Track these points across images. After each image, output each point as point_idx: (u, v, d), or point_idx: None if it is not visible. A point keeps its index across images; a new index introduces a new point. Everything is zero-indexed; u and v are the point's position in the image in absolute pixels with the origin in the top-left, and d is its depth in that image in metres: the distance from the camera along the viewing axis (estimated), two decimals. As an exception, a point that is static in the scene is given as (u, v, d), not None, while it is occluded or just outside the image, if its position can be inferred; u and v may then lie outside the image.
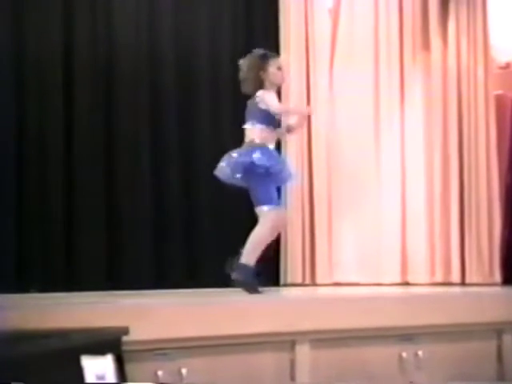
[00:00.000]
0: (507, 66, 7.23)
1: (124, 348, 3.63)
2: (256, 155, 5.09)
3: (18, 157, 6.16)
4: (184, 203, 6.81)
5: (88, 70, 6.46)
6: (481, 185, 7.00)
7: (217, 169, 5.30)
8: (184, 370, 3.97)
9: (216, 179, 6.99)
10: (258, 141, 5.15)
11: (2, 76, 6.14)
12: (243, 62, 5.33)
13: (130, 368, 3.64)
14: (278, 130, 5.28)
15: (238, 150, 5.22)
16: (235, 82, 7.04)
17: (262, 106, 5.16)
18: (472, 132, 7.07)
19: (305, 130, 7.25)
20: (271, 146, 5.21)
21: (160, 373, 3.89)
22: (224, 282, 6.42)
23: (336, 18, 7.39)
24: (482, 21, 7.08)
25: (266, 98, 5.15)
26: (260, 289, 5.15)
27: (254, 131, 5.18)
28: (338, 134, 7.29)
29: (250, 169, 5.11)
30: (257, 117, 5.18)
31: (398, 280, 7.12)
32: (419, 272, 7.12)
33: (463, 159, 7.06)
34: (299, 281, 7.11)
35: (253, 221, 7.07)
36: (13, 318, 3.56)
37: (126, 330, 3.68)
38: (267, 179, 5.12)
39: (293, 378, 4.40)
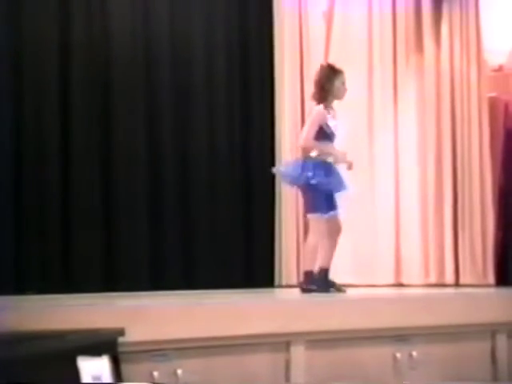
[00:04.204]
0: (500, 68, 7.26)
1: (120, 349, 3.64)
2: (308, 172, 5.35)
3: (15, 157, 6.16)
4: (180, 205, 6.82)
5: (84, 68, 6.45)
6: (474, 186, 7.03)
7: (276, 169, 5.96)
8: (180, 371, 3.98)
9: (212, 181, 7.05)
10: (312, 154, 5.39)
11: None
12: (315, 73, 5.60)
13: (125, 369, 3.65)
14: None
15: (296, 160, 5.54)
16: (229, 82, 7.14)
17: (310, 120, 5.48)
18: (465, 134, 7.10)
19: (299, 131, 7.25)
20: (326, 159, 5.39)
21: (156, 373, 3.90)
22: (219, 283, 6.47)
23: (330, 20, 7.42)
24: (475, 23, 7.11)
25: (307, 127, 5.46)
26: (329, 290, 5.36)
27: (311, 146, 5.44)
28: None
29: (301, 184, 5.45)
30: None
31: (392, 281, 7.15)
32: (413, 273, 7.14)
33: (457, 161, 7.09)
34: (293, 282, 7.12)
35: (249, 223, 7.13)
36: (10, 319, 3.56)
37: (121, 331, 3.69)
38: (317, 191, 5.37)
39: (288, 378, 4.41)
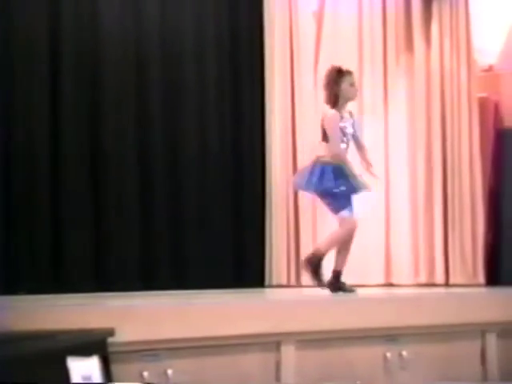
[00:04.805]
0: (490, 68, 7.27)
1: (110, 349, 3.64)
2: (326, 180, 5.38)
3: (4, 157, 6.13)
4: (171, 205, 6.81)
5: (74, 67, 6.41)
6: (464, 187, 7.05)
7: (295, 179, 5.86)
8: (170, 371, 3.98)
9: (202, 181, 7.03)
10: (327, 158, 5.42)
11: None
12: (324, 77, 5.60)
13: (116, 369, 3.65)
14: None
15: (312, 165, 5.47)
16: (219, 81, 7.13)
17: (328, 128, 5.45)
18: (455, 134, 7.11)
19: (289, 131, 7.30)
20: (340, 163, 5.41)
21: (146, 373, 3.90)
22: (210, 283, 6.47)
23: (320, 20, 7.42)
24: (465, 23, 7.13)
25: (332, 136, 5.42)
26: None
27: (324, 148, 5.47)
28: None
29: (319, 190, 5.48)
30: (324, 135, 5.48)
31: (383, 281, 7.16)
32: (403, 273, 7.16)
33: (447, 161, 7.10)
34: (284, 282, 7.14)
35: (239, 223, 7.13)
36: (0, 319, 3.56)
37: (111, 332, 3.69)
38: (336, 195, 5.42)
39: (278, 378, 4.41)
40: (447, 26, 7.18)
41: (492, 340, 5.16)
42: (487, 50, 7.23)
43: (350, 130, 5.52)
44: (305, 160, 7.26)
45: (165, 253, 6.77)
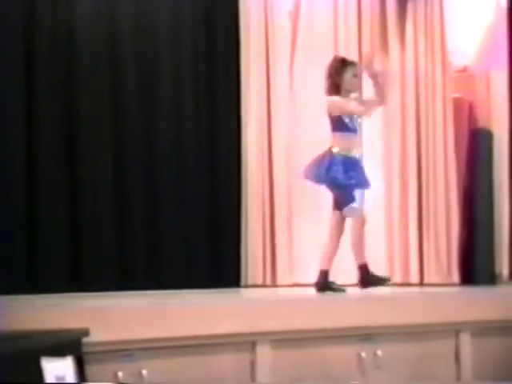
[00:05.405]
0: (465, 69, 7.31)
1: (84, 349, 3.63)
2: (333, 171, 5.31)
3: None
4: (147, 204, 6.80)
5: (47, 64, 6.38)
6: (439, 186, 7.08)
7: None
8: (144, 371, 3.97)
9: (178, 181, 7.02)
10: (336, 149, 5.36)
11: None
12: (326, 67, 5.49)
13: (90, 369, 3.64)
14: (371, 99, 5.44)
15: (321, 156, 5.39)
16: (195, 81, 7.12)
17: (335, 114, 5.37)
18: (430, 134, 7.14)
19: (264, 128, 7.29)
20: (351, 153, 5.36)
21: (120, 374, 3.89)
22: (186, 283, 6.46)
23: (296, 20, 7.44)
24: (440, 24, 7.16)
25: (341, 106, 5.34)
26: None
27: (332, 139, 5.41)
28: (298, 134, 7.33)
29: (328, 182, 5.41)
30: (332, 124, 5.42)
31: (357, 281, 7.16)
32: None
33: (421, 161, 7.13)
34: (260, 282, 7.14)
35: (215, 223, 7.12)
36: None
37: (86, 332, 3.68)
38: (344, 188, 5.37)
39: (253, 378, 4.42)
40: (422, 27, 7.20)
41: (466, 339, 5.18)
42: (462, 50, 7.26)
43: (354, 121, 5.43)
44: (281, 159, 7.30)
45: (140, 253, 6.75)
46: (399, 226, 7.15)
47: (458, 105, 7.17)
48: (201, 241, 7.03)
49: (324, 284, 5.39)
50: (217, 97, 7.23)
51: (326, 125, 7.26)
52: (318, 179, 5.47)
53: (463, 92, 7.25)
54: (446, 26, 7.15)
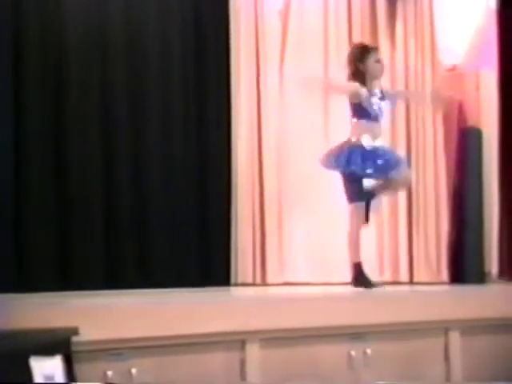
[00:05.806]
0: (454, 68, 7.33)
1: (74, 348, 3.62)
2: (353, 163, 5.34)
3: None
4: (136, 204, 6.78)
5: (36, 54, 6.33)
6: (428, 185, 7.10)
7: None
8: (134, 370, 3.97)
9: (167, 181, 7.01)
10: (353, 138, 5.39)
11: None
12: (347, 54, 5.53)
13: (79, 368, 3.63)
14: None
15: (340, 144, 5.42)
16: (184, 81, 7.11)
17: (354, 100, 5.38)
18: (420, 133, 7.16)
19: (255, 127, 7.28)
20: (366, 140, 5.35)
21: (110, 373, 3.88)
22: (176, 282, 6.45)
23: (286, 19, 7.44)
24: (429, 23, 7.18)
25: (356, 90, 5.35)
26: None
27: (352, 126, 5.44)
28: (288, 133, 7.33)
29: (345, 172, 5.43)
30: (351, 111, 5.43)
31: (348, 279, 7.17)
32: (368, 271, 7.17)
33: (411, 160, 7.14)
34: (250, 280, 7.14)
35: (205, 222, 7.11)
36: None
37: (75, 331, 3.67)
38: (352, 181, 5.41)
39: (243, 377, 4.42)
40: (412, 26, 7.22)
41: (455, 338, 5.20)
42: (451, 49, 7.28)
43: (376, 108, 5.44)
44: (271, 158, 7.29)
45: (130, 252, 6.73)
46: (389, 224, 7.17)
47: (447, 104, 7.18)
48: (191, 240, 7.02)
49: (363, 279, 5.35)
50: (206, 96, 7.21)
51: (318, 124, 7.34)
52: (337, 168, 5.50)
53: (453, 91, 7.26)
54: (435, 25, 7.17)
